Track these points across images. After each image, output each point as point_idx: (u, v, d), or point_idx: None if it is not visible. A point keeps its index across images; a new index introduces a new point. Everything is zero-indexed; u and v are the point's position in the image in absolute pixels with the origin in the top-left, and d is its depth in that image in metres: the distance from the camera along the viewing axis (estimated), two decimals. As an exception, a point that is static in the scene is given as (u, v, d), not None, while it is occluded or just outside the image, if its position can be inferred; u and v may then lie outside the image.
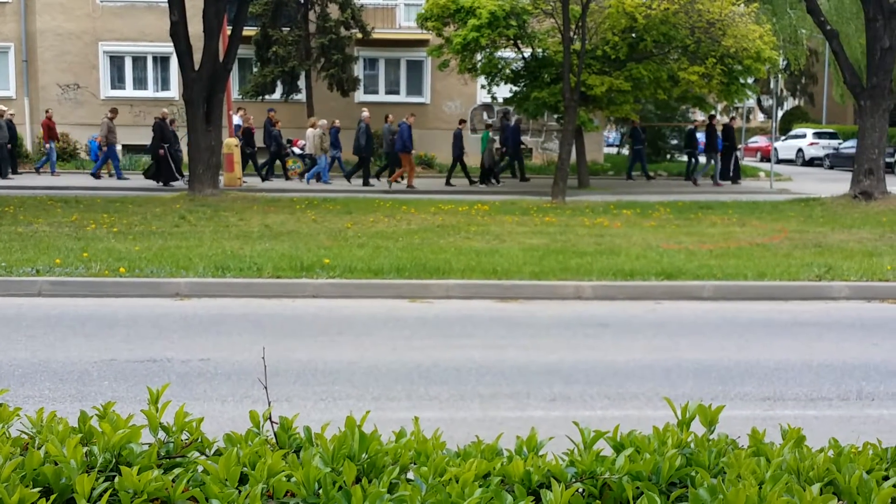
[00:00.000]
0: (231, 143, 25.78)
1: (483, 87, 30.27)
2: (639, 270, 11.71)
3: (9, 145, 27.85)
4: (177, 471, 2.06)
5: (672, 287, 11.09)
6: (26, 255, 12.26)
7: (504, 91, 29.41)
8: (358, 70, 33.90)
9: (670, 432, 2.27)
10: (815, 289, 11.19)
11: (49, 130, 29.00)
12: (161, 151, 25.49)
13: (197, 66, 21.43)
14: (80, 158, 32.36)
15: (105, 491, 1.94)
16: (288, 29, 31.23)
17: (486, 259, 12.45)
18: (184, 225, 16.16)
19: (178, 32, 21.19)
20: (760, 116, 69.48)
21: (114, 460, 2.10)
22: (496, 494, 1.90)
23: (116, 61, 34.24)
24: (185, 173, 24.72)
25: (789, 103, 64.70)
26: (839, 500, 2.00)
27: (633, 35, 25.92)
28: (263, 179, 27.84)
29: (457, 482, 1.90)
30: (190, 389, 6.81)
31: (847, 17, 40.40)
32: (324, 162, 27.69)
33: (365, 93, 34.66)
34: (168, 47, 26.42)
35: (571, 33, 22.94)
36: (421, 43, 32.41)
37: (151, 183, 26.51)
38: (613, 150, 50.31)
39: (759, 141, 50.65)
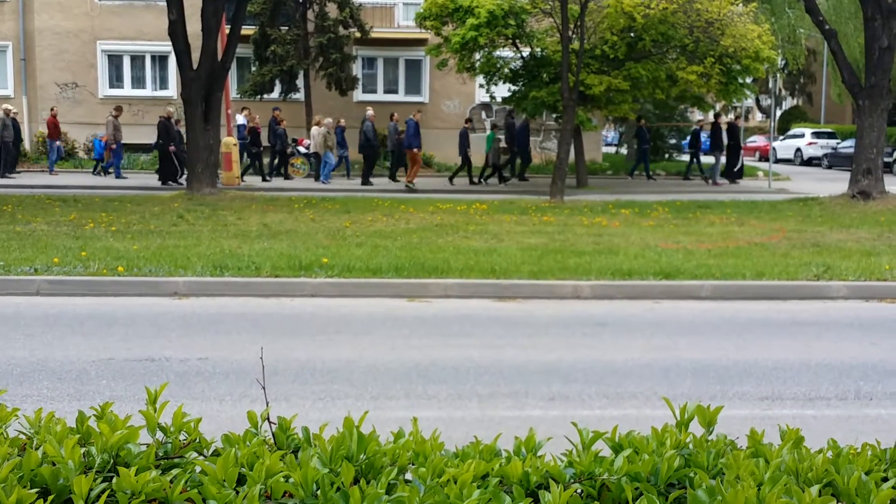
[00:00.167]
0: (229, 143, 25.77)
1: (481, 86, 30.26)
2: (637, 270, 11.71)
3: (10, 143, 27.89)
4: (175, 471, 2.06)
5: (670, 286, 11.09)
6: (24, 254, 12.26)
7: (503, 90, 29.40)
8: (356, 69, 33.89)
9: (669, 433, 2.27)
10: (814, 288, 11.20)
11: (54, 129, 28.98)
12: (172, 147, 25.46)
13: (195, 66, 21.42)
14: (79, 157, 32.34)
15: (103, 492, 1.94)
16: (286, 28, 31.20)
17: (485, 258, 12.45)
18: (182, 224, 16.16)
19: (177, 31, 21.18)
20: (759, 116, 69.55)
21: (112, 461, 2.10)
22: (494, 495, 1.90)
23: (115, 60, 34.21)
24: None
25: (788, 103, 64.73)
26: (838, 501, 2.00)
27: (632, 34, 25.91)
28: (264, 179, 27.81)
29: (455, 483, 1.90)
30: (188, 389, 6.81)
31: (845, 17, 40.42)
32: (332, 159, 27.68)
33: (363, 92, 34.64)
34: (166, 46, 26.40)
35: (570, 33, 22.93)
36: (419, 42, 32.41)
37: (149, 182, 26.49)
38: (612, 150, 50.31)
39: (758, 140, 50.65)
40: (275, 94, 32.02)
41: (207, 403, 6.47)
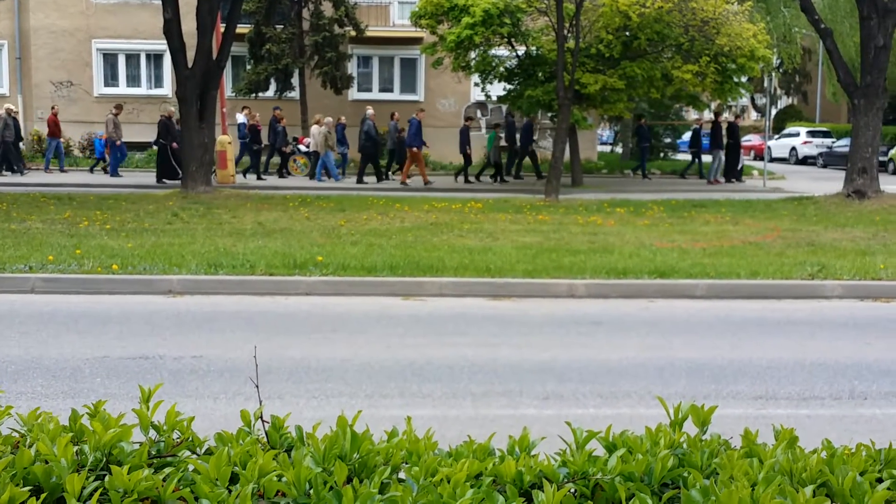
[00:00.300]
0: (224, 141, 25.73)
1: (477, 84, 30.24)
2: (632, 269, 11.71)
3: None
4: (167, 470, 2.05)
5: (665, 285, 11.10)
6: (19, 251, 12.24)
7: (498, 89, 29.40)
8: (352, 68, 33.87)
9: (663, 432, 2.27)
10: (808, 287, 11.21)
11: (55, 127, 28.93)
12: (175, 145, 25.43)
13: (190, 64, 21.39)
14: (74, 156, 32.28)
15: (95, 490, 1.94)
16: (282, 26, 31.17)
17: (480, 257, 12.45)
18: (177, 222, 16.14)
19: (172, 30, 21.16)
20: (754, 115, 69.57)
21: (104, 459, 2.09)
22: (488, 495, 1.89)
23: (110, 59, 34.15)
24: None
25: (783, 102, 64.77)
26: (832, 502, 1.99)
27: (627, 33, 25.92)
28: (258, 178, 27.79)
29: (448, 483, 1.90)
30: (182, 387, 6.80)
31: (841, 16, 40.47)
32: (332, 158, 27.68)
33: (359, 90, 34.62)
34: (161, 45, 26.36)
35: (565, 31, 22.93)
36: (415, 41, 32.39)
37: (144, 180, 26.47)
38: (607, 149, 50.33)
39: (753, 139, 50.69)
40: (270, 93, 31.99)
41: (201, 401, 6.46)
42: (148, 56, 34.07)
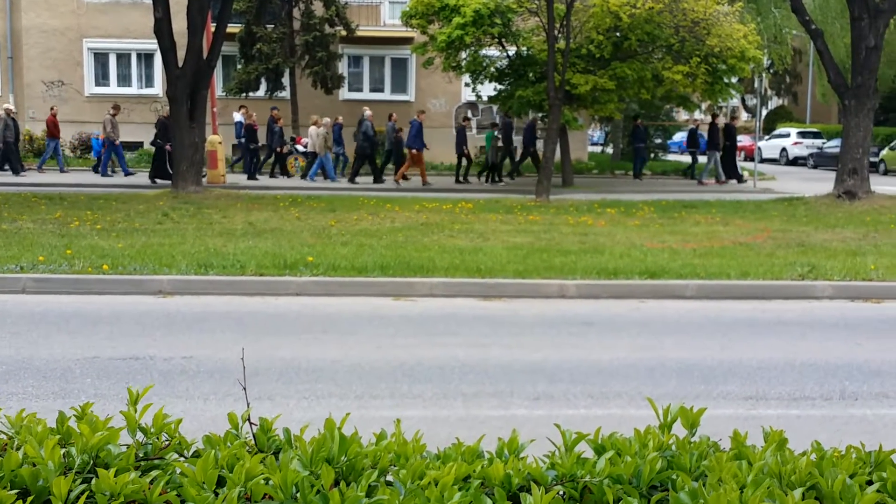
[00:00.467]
0: (214, 141, 25.70)
1: (467, 85, 30.24)
2: (623, 269, 11.72)
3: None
4: (154, 473, 2.04)
5: (656, 286, 11.11)
6: (10, 251, 12.20)
7: (489, 89, 29.41)
8: (342, 67, 33.85)
9: (651, 435, 2.26)
10: (799, 288, 11.23)
11: (54, 127, 28.84)
12: (168, 146, 25.36)
13: (181, 63, 21.34)
14: (66, 156, 32.17)
15: (82, 493, 1.93)
16: (272, 26, 31.13)
17: (470, 257, 12.44)
18: (167, 222, 16.11)
19: (162, 29, 21.11)
20: (745, 116, 69.72)
21: (91, 462, 2.08)
22: (475, 498, 1.89)
23: (101, 58, 34.10)
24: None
25: (773, 102, 64.92)
26: (821, 505, 2.00)
27: (618, 34, 25.94)
28: (250, 177, 27.73)
29: (436, 486, 1.89)
30: (172, 387, 6.78)
31: (832, 17, 40.60)
32: (330, 159, 27.66)
33: (349, 90, 34.60)
34: (152, 44, 26.29)
35: (556, 32, 22.94)
36: (405, 41, 32.39)
37: (133, 180, 26.42)
38: (598, 149, 50.37)
39: (743, 140, 50.79)
40: (260, 93, 31.96)
41: (191, 402, 6.45)
42: (139, 55, 34.02)
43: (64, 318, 9.22)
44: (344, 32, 31.68)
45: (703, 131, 33.68)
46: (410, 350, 8.10)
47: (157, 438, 2.27)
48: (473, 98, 31.12)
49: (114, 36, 33.50)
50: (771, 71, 49.38)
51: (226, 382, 6.86)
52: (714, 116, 31.70)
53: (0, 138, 27.13)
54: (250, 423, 2.35)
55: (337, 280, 11.02)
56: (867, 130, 21.72)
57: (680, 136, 57.75)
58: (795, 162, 44.98)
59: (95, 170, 28.67)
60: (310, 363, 7.52)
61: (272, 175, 28.69)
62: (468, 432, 5.62)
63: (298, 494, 1.88)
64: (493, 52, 27.89)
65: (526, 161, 30.71)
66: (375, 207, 19.19)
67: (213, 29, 23.46)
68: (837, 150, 26.89)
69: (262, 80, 31.61)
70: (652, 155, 41.47)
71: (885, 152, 38.20)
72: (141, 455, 2.21)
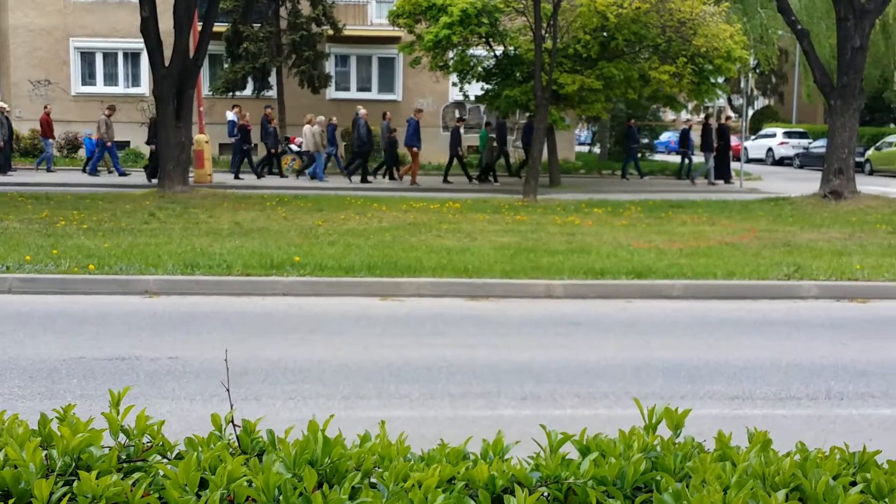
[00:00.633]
0: (201, 140, 25.63)
1: (455, 84, 30.23)
2: (609, 269, 11.73)
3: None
4: (137, 475, 2.03)
5: (642, 286, 11.13)
6: (-6, 252, 12.14)
7: (476, 89, 29.41)
8: (329, 67, 33.81)
9: (636, 436, 2.26)
10: (785, 288, 11.26)
11: (47, 127, 28.71)
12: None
13: (167, 63, 21.29)
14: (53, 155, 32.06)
15: (64, 495, 1.91)
16: (259, 25, 31.07)
17: (458, 257, 12.44)
18: (153, 222, 16.05)
19: (149, 28, 21.05)
20: (731, 115, 69.85)
21: (73, 464, 2.07)
22: (459, 501, 1.88)
23: (87, 57, 33.98)
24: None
25: (759, 102, 65.13)
26: (805, 506, 2.00)
27: (605, 34, 25.98)
28: (259, 177, 27.74)
29: (419, 488, 1.88)
30: (158, 388, 6.76)
31: (818, 17, 40.74)
32: (322, 158, 27.63)
33: (336, 90, 34.56)
34: (139, 43, 26.20)
35: (543, 31, 22.95)
36: (392, 40, 32.37)
37: (122, 179, 26.34)
38: (585, 149, 50.44)
39: (717, 140, 50.88)
40: (247, 92, 31.89)
41: (177, 402, 6.43)
42: (125, 55, 33.91)
43: (50, 318, 9.18)
44: (331, 32, 31.65)
45: (699, 132, 33.72)
46: (398, 350, 8.09)
47: (140, 440, 2.26)
48: (461, 97, 31.11)
49: (100, 35, 33.40)
50: (757, 71, 49.51)
51: (212, 383, 6.84)
52: (707, 117, 31.78)
53: None
54: (234, 425, 2.34)
55: (324, 280, 11.00)
56: (853, 130, 21.81)
57: (667, 136, 57.93)
58: (781, 162, 45.13)
59: (84, 169, 28.56)
60: (297, 363, 7.51)
61: (259, 175, 28.62)
62: (456, 432, 5.61)
63: (281, 497, 1.87)
64: (480, 51, 27.89)
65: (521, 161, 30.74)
66: (363, 207, 19.17)
67: (199, 28, 23.40)
68: (823, 150, 26.98)
69: (249, 79, 31.55)
70: (638, 155, 41.52)
71: (870, 152, 38.36)
72: (123, 457, 2.20)
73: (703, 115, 32.88)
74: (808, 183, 26.73)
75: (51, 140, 28.99)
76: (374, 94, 34.84)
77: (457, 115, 34.07)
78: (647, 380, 7.26)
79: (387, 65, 35.20)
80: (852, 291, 11.23)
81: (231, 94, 31.40)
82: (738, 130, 32.04)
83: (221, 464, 1.97)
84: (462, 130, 29.34)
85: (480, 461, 2.14)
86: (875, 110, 48.86)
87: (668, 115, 58.32)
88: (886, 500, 2.01)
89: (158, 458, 2.22)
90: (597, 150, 44.40)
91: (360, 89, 35.23)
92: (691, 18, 25.42)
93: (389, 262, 11.81)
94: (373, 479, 2.06)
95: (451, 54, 27.59)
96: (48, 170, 28.80)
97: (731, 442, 2.33)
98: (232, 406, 2.50)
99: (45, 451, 2.13)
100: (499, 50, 27.52)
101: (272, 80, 31.97)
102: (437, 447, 2.24)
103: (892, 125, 49.33)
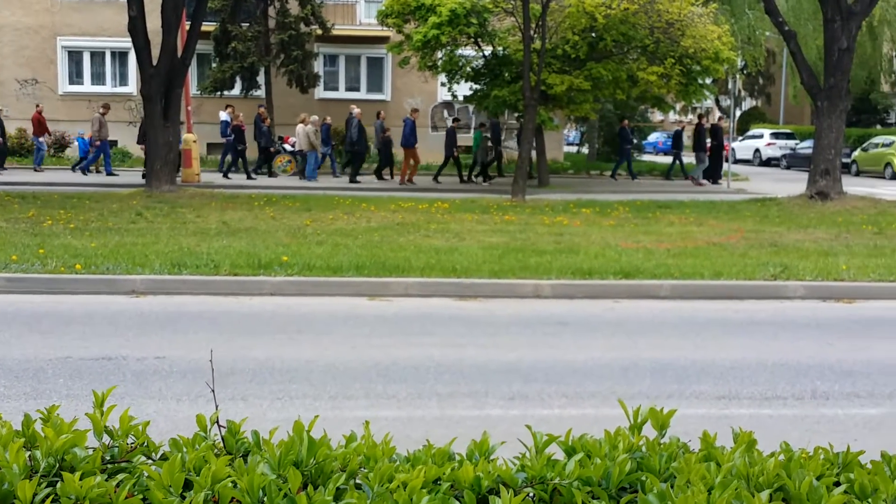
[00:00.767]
0: (189, 139, 25.58)
1: (443, 84, 30.23)
2: (597, 269, 11.75)
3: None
4: (121, 476, 2.02)
5: (630, 286, 11.15)
6: (-20, 251, 12.09)
7: (464, 89, 29.42)
8: (318, 66, 33.77)
9: (622, 436, 2.27)
10: (771, 288, 11.30)
11: (39, 126, 28.58)
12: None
13: (155, 62, 21.23)
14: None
15: (47, 496, 1.91)
16: (247, 25, 31.01)
17: (446, 257, 12.44)
18: (140, 221, 16.01)
19: (137, 27, 20.99)
20: (718, 113, 70.01)
21: (57, 465, 2.06)
22: (444, 502, 1.88)
23: (75, 56, 33.88)
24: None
25: (747, 103, 65.30)
26: (788, 506, 2.00)
27: (593, 34, 26.01)
28: (249, 177, 27.68)
29: (404, 489, 1.88)
30: (145, 388, 6.74)
31: (805, 18, 40.87)
32: (313, 158, 27.59)
33: (325, 89, 34.53)
34: (126, 42, 26.14)
35: (531, 32, 22.97)
36: (381, 40, 32.35)
37: (109, 179, 26.25)
38: (573, 149, 50.51)
39: (711, 141, 51.03)
40: (235, 91, 31.83)
41: (164, 403, 6.42)
42: (113, 54, 33.82)
43: (36, 318, 9.14)
44: (319, 31, 31.60)
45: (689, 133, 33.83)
46: (386, 350, 8.08)
47: (124, 441, 2.25)
48: (449, 97, 31.12)
49: (88, 34, 33.30)
50: (744, 72, 49.61)
51: (199, 383, 6.82)
52: (701, 118, 31.87)
53: None
54: (219, 426, 2.33)
55: (312, 280, 10.99)
56: (839, 132, 21.89)
57: (655, 137, 58.03)
58: (769, 163, 45.29)
59: (73, 168, 28.49)
60: (284, 363, 7.50)
61: (248, 176, 28.54)
62: (443, 432, 5.61)
63: (265, 498, 1.86)
64: (469, 51, 27.90)
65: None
66: (351, 207, 19.15)
67: (187, 27, 23.34)
68: (810, 151, 27.08)
69: (237, 78, 31.47)
70: (617, 157, 41.60)
71: (857, 153, 38.52)
72: (107, 458, 2.19)
73: (696, 116, 32.84)
74: (794, 184, 26.82)
75: (42, 139, 28.86)
76: (362, 94, 34.82)
77: (447, 115, 34.10)
78: (634, 380, 7.27)
79: (375, 65, 35.19)
80: (838, 292, 11.27)
81: (219, 93, 31.33)
82: (726, 131, 32.07)
83: (206, 465, 1.97)
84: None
85: (466, 462, 2.14)
86: (861, 111, 49.06)
87: (657, 116, 58.44)
88: (870, 500, 2.02)
89: (143, 458, 2.21)
90: (585, 150, 44.45)
91: (348, 89, 35.21)
92: (679, 19, 25.47)
93: (377, 262, 11.80)
94: (358, 480, 2.06)
95: (439, 54, 27.59)
96: (35, 169, 28.70)
97: (716, 442, 2.34)
98: (217, 407, 2.49)
99: (29, 452, 2.12)
100: (487, 50, 27.53)
101: (260, 79, 31.91)
102: (423, 448, 2.24)
103: (878, 126, 49.52)
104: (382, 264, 11.70)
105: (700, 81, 27.94)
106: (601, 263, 12.18)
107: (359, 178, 27.55)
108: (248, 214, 17.41)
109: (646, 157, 44.71)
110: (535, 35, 23.63)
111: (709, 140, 30.91)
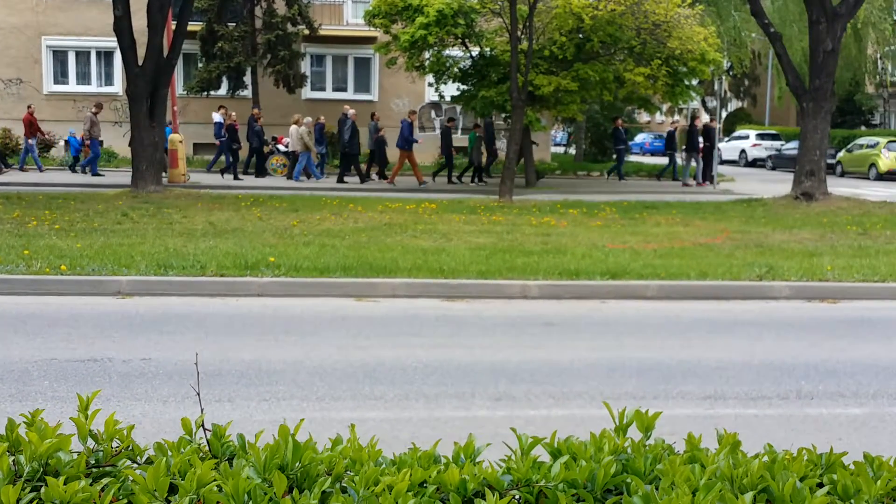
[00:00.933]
0: (175, 139, 25.51)
1: (431, 85, 30.23)
2: (584, 270, 11.77)
3: None
4: (105, 480, 2.02)
5: (617, 286, 11.17)
6: (-36, 252, 12.02)
7: (452, 89, 29.43)
8: (305, 66, 33.73)
9: (607, 438, 2.27)
10: (757, 288, 11.34)
11: (30, 126, 28.45)
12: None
13: (141, 62, 21.16)
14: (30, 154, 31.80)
15: (31, 501, 1.90)
16: (234, 24, 30.96)
17: (433, 258, 12.44)
18: (126, 222, 15.95)
19: (122, 27, 20.92)
20: (705, 117, 70.26)
21: (41, 470, 2.05)
22: (430, 504, 1.89)
23: (60, 56, 33.75)
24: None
25: (733, 105, 65.54)
26: (772, 508, 2.01)
27: (580, 35, 26.06)
28: (236, 177, 27.62)
29: (390, 492, 1.88)
30: (131, 390, 6.72)
31: (790, 20, 41.04)
32: (311, 158, 27.53)
33: (312, 90, 34.49)
34: (112, 42, 26.02)
35: (519, 33, 22.99)
36: (368, 40, 32.33)
37: (95, 179, 26.15)
38: (560, 150, 50.60)
39: (702, 142, 51.16)
40: (222, 91, 31.78)
41: (150, 404, 6.39)
42: (98, 53, 33.71)
43: (21, 320, 9.10)
44: (306, 31, 31.58)
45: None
46: (372, 351, 8.08)
47: (109, 445, 2.24)
48: (437, 98, 31.13)
49: (73, 34, 33.17)
50: (730, 73, 49.84)
51: (185, 385, 6.79)
52: (694, 119, 31.97)
53: None
54: (204, 429, 2.32)
55: (299, 281, 10.97)
56: (824, 133, 22.00)
57: (641, 138, 58.17)
58: (754, 163, 45.46)
59: (74, 168, 28.39)
60: (271, 365, 7.49)
61: (261, 174, 28.48)
62: (430, 433, 5.62)
63: (251, 502, 1.86)
64: (456, 52, 27.91)
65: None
66: (338, 207, 19.13)
67: (173, 27, 23.27)
68: (795, 151, 27.19)
69: (224, 78, 31.42)
70: (614, 156, 41.69)
71: (841, 154, 38.69)
72: (92, 462, 2.18)
73: (690, 117, 32.92)
74: (780, 184, 26.93)
75: (31, 141, 28.71)
76: (349, 95, 34.79)
77: (434, 115, 34.11)
78: (620, 380, 7.29)
79: (363, 65, 35.15)
80: (823, 292, 11.32)
81: (206, 93, 31.27)
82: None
83: (191, 469, 1.96)
84: (437, 131, 29.39)
85: (452, 465, 2.14)
86: (846, 113, 49.30)
87: (643, 117, 58.54)
88: (852, 501, 2.03)
89: (128, 462, 2.20)
90: (572, 151, 44.52)
91: (335, 89, 35.17)
92: (666, 21, 25.54)
93: (365, 263, 11.79)
94: (344, 484, 2.06)
95: (427, 55, 27.59)
96: (20, 168, 28.58)
97: (701, 443, 2.34)
98: (202, 410, 2.49)
99: (13, 457, 2.11)
100: (475, 51, 27.55)
101: (247, 79, 31.86)
102: (409, 451, 2.24)
103: (863, 128, 49.78)
104: (370, 265, 11.69)
105: (686, 83, 28.02)
106: (588, 264, 12.21)
107: (346, 178, 27.53)
108: (235, 215, 17.37)
109: (632, 158, 44.79)
110: (523, 36, 23.66)
111: (701, 141, 30.96)
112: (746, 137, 47.60)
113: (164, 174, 23.54)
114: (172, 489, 1.95)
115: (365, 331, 9.03)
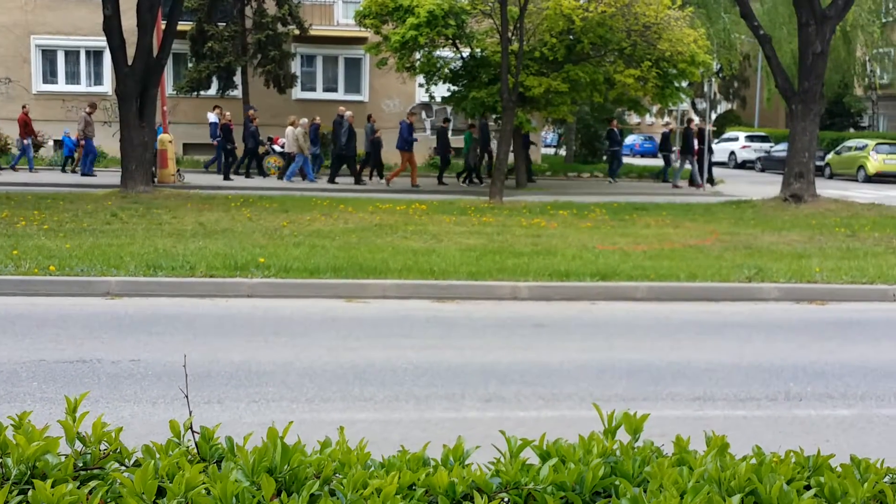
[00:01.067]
0: (165, 140, 25.46)
1: (421, 85, 30.22)
2: (574, 271, 11.78)
3: None
4: (93, 483, 2.01)
5: (607, 288, 11.18)
6: (-48, 252, 11.97)
7: (442, 90, 29.43)
8: (295, 67, 33.68)
9: (595, 440, 2.27)
10: (746, 290, 11.37)
11: (24, 126, 28.35)
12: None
13: (130, 61, 21.12)
14: (13, 154, 31.66)
15: (18, 504, 1.89)
16: (224, 24, 30.91)
17: (424, 259, 12.44)
18: (115, 222, 15.91)
19: (112, 27, 20.87)
20: (695, 119, 70.37)
21: (28, 473, 2.04)
22: (418, 508, 1.89)
23: (49, 55, 33.64)
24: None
25: (722, 106, 65.70)
26: (759, 510, 2.02)
27: (571, 37, 26.09)
28: (247, 176, 27.62)
29: (378, 495, 1.88)
30: (120, 391, 6.70)
31: (780, 23, 41.19)
32: (301, 160, 27.50)
33: (302, 90, 34.44)
34: (101, 41, 25.94)
35: (509, 34, 23.01)
36: (359, 40, 32.30)
37: (84, 179, 26.09)
38: (551, 151, 50.65)
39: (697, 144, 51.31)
40: (212, 91, 31.72)
41: (140, 406, 6.38)
42: (87, 53, 33.60)
43: (9, 320, 9.06)
44: (297, 31, 31.54)
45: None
46: (362, 352, 8.07)
47: (97, 447, 2.24)
48: (427, 99, 31.12)
49: (62, 33, 33.07)
50: (720, 75, 49.97)
51: (174, 386, 6.78)
52: (689, 121, 32.04)
53: None
54: (193, 432, 2.32)
55: (289, 282, 10.96)
56: (813, 135, 22.07)
57: (631, 139, 58.26)
58: (744, 165, 45.59)
59: (63, 168, 28.29)
60: (260, 366, 7.47)
61: (226, 177, 28.44)
62: (420, 434, 5.62)
63: (239, 506, 1.86)
64: (447, 53, 27.91)
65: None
66: (329, 208, 19.11)
67: (163, 26, 23.23)
68: (785, 153, 27.27)
69: (214, 78, 31.37)
70: (604, 157, 41.75)
71: (830, 156, 38.82)
72: (80, 465, 2.17)
73: (686, 119, 33.05)
74: (769, 186, 27.00)
75: (27, 141, 28.60)
76: (340, 95, 34.75)
77: (424, 115, 34.12)
78: (610, 381, 7.30)
79: (353, 65, 35.12)
80: (812, 294, 11.36)
81: (196, 93, 31.21)
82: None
83: (179, 471, 1.95)
84: (427, 132, 29.40)
85: (441, 467, 2.14)
86: (835, 115, 49.48)
87: (633, 119, 58.64)
88: (839, 503, 2.03)
89: (116, 465, 2.20)
90: (563, 152, 44.56)
91: (326, 90, 35.14)
92: (656, 23, 25.59)
93: (355, 264, 11.78)
94: (332, 487, 2.06)
95: (417, 55, 27.58)
96: (13, 168, 28.48)
97: (689, 445, 2.35)
98: (191, 412, 2.48)
99: (0, 460, 2.11)
100: (465, 52, 27.55)
101: (237, 79, 31.81)
102: (398, 453, 2.24)
103: (851, 130, 49.96)
104: (360, 266, 11.68)
105: (676, 84, 28.08)
106: (578, 265, 12.22)
107: (337, 179, 27.52)
108: (225, 216, 17.34)
109: (622, 160, 44.84)
110: (513, 37, 23.67)
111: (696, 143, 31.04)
112: (736, 139, 47.74)
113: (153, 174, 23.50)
114: (160, 492, 1.95)
115: (355, 332, 9.02)
